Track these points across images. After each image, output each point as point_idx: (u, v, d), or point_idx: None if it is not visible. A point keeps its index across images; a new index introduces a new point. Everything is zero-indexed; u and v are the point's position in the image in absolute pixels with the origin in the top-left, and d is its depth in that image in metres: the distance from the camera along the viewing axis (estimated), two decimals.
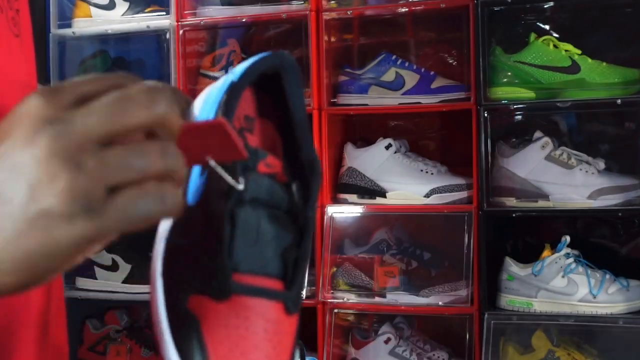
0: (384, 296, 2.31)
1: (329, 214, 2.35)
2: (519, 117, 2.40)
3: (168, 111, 0.52)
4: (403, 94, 2.33)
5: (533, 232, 2.37)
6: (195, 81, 2.50)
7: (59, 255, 0.49)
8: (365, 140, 2.42)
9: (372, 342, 2.33)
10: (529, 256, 2.19)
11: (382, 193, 2.32)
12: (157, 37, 2.59)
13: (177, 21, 2.45)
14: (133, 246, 2.54)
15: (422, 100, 2.31)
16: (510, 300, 2.18)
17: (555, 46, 2.20)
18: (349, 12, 2.36)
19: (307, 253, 0.63)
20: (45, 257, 0.49)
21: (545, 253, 2.16)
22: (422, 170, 2.31)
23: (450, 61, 2.48)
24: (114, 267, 2.58)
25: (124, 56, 2.74)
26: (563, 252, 2.14)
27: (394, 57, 2.37)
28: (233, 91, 0.65)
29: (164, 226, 0.64)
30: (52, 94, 0.51)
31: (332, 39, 2.40)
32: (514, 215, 2.23)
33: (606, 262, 2.18)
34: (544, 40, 2.21)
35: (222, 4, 2.45)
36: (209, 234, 0.60)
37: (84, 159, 0.48)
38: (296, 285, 0.62)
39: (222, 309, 0.59)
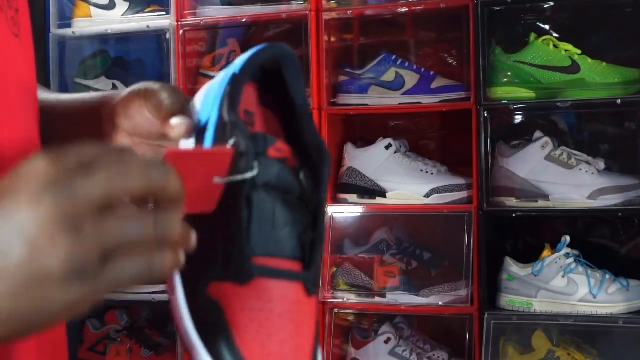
0: (384, 296, 2.31)
1: (329, 214, 2.35)
2: (519, 117, 2.40)
3: (163, 179, 0.53)
4: (403, 94, 2.33)
5: (533, 232, 2.37)
6: (195, 81, 2.50)
7: (51, 314, 0.51)
8: (365, 140, 2.42)
9: (372, 342, 2.33)
10: (529, 256, 2.19)
11: (382, 193, 2.31)
12: (157, 37, 2.59)
13: (177, 21, 2.45)
14: None
15: (422, 100, 2.31)
16: (510, 300, 2.18)
17: (555, 46, 2.20)
18: (349, 12, 2.36)
19: (322, 235, 0.64)
20: (38, 315, 0.51)
21: (545, 253, 2.16)
22: (422, 170, 2.31)
23: (450, 61, 2.48)
24: None
25: (124, 56, 2.74)
26: (563, 252, 2.14)
27: (394, 57, 2.36)
28: (235, 83, 0.66)
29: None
30: (57, 157, 0.52)
31: (332, 39, 2.40)
32: (514, 215, 2.22)
33: (606, 262, 2.18)
34: (544, 40, 2.21)
35: (222, 4, 2.45)
36: (224, 220, 0.61)
37: (83, 225, 0.50)
38: (314, 266, 0.63)
39: (244, 293, 0.60)
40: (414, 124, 2.54)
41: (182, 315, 0.61)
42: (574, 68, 2.16)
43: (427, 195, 2.27)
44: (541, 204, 2.16)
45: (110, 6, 2.57)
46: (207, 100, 0.69)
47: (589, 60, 2.17)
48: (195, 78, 2.51)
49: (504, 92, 2.20)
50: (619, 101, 2.10)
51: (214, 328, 0.59)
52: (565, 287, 2.13)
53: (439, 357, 2.31)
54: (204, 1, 2.48)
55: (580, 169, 2.16)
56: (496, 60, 2.21)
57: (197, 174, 0.58)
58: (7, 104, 0.67)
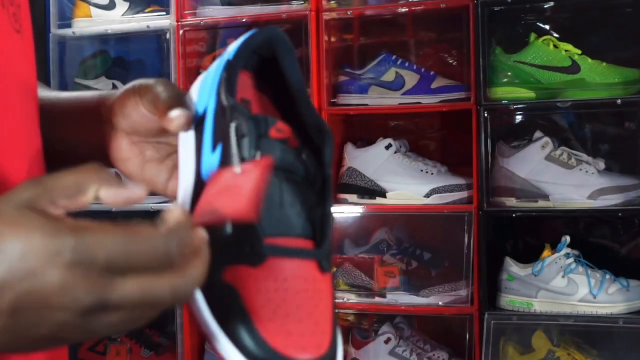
0: (384, 296, 2.31)
1: None
2: (519, 117, 2.40)
3: (179, 254, 0.55)
4: (403, 94, 2.33)
5: (533, 232, 2.37)
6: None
7: (63, 343, 0.56)
8: (365, 140, 2.42)
9: (372, 342, 2.33)
10: (529, 256, 2.19)
11: (382, 193, 2.31)
12: (157, 37, 2.59)
13: (177, 21, 2.45)
14: None
15: (422, 100, 2.31)
16: (510, 300, 2.18)
17: (555, 46, 2.20)
18: (349, 12, 2.36)
19: (330, 210, 0.64)
20: (50, 345, 0.55)
21: (545, 253, 2.16)
22: (422, 170, 2.31)
23: (450, 61, 2.48)
24: None
25: (124, 56, 2.74)
26: (563, 252, 2.14)
27: (394, 57, 2.37)
28: (230, 69, 0.66)
29: (184, 205, 0.65)
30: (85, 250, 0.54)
31: (332, 39, 2.40)
32: (514, 215, 2.22)
33: (606, 262, 2.18)
34: (544, 40, 2.21)
35: (222, 4, 2.45)
36: None
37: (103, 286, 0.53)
38: (326, 242, 0.62)
39: (259, 274, 0.59)
40: (414, 124, 2.54)
41: (199, 304, 0.61)
42: (574, 68, 2.16)
43: (427, 195, 2.27)
44: (541, 204, 2.16)
45: (110, 6, 2.57)
46: (203, 90, 0.69)
47: (589, 60, 2.17)
48: (195, 78, 2.50)
49: (504, 92, 2.20)
50: (619, 101, 2.10)
51: (231, 313, 0.59)
52: (565, 287, 2.13)
53: (439, 357, 2.31)
54: (204, 1, 2.48)
55: (580, 169, 2.16)
56: (496, 60, 2.21)
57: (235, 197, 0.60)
58: (7, 99, 0.67)
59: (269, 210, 0.61)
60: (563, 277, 2.13)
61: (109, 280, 0.53)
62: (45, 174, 0.73)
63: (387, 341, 2.31)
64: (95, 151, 0.77)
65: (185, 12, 2.45)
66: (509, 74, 2.20)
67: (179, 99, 0.70)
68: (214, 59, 2.52)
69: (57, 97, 0.83)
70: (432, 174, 2.30)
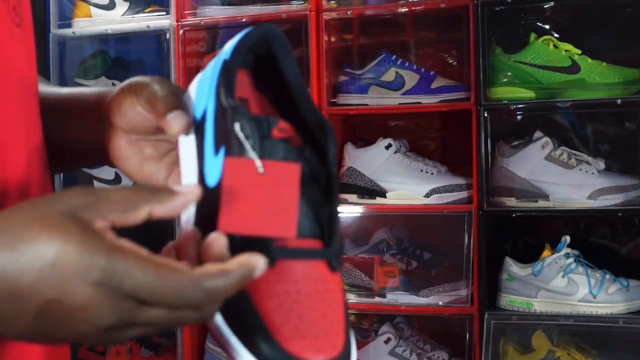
0: (384, 296, 2.31)
1: None
2: (519, 117, 2.40)
3: (207, 304, 0.56)
4: (403, 94, 2.33)
5: (533, 232, 2.37)
6: None
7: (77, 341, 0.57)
8: (365, 140, 2.42)
9: (372, 342, 2.33)
10: (529, 256, 2.19)
11: (382, 193, 2.31)
12: (157, 37, 2.59)
13: (177, 21, 2.45)
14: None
15: (422, 100, 2.31)
16: (510, 300, 2.18)
17: (555, 46, 2.20)
18: (349, 12, 2.36)
19: (337, 209, 0.63)
20: (70, 342, 0.57)
21: (545, 253, 2.16)
22: (422, 170, 2.31)
23: (450, 61, 2.48)
24: None
25: (124, 56, 2.74)
26: (563, 252, 2.14)
27: (394, 57, 2.36)
28: (228, 70, 0.65)
29: (187, 213, 0.64)
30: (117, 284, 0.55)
31: (332, 39, 2.40)
32: (514, 215, 2.22)
33: (606, 262, 2.18)
34: (544, 40, 2.21)
35: (222, 4, 2.45)
36: None
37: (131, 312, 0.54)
38: (334, 241, 0.62)
39: (269, 277, 0.59)
40: (414, 124, 2.54)
41: None
42: (574, 68, 2.16)
43: (427, 195, 2.27)
44: (541, 204, 2.16)
45: (110, 6, 2.57)
46: (201, 91, 0.68)
47: (589, 60, 2.16)
48: None
49: (504, 92, 2.20)
50: (619, 101, 2.10)
51: (244, 318, 0.59)
52: (565, 287, 2.13)
53: (439, 357, 2.31)
54: (204, 1, 2.48)
55: (580, 169, 2.16)
56: (496, 60, 2.21)
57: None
58: (6, 93, 0.66)
59: None
60: (563, 277, 2.13)
61: (133, 307, 0.53)
62: (44, 170, 0.73)
63: (387, 341, 2.31)
64: (95, 148, 0.77)
65: (185, 12, 2.45)
66: (509, 74, 2.20)
67: (176, 98, 0.70)
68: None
69: (58, 93, 0.83)
70: (432, 174, 2.30)
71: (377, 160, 2.33)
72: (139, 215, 0.56)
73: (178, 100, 0.69)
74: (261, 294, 0.59)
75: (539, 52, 2.19)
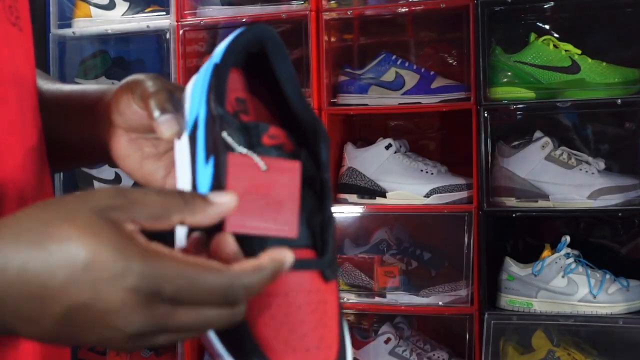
0: (384, 296, 2.31)
1: None
2: (519, 117, 2.40)
3: (243, 299, 0.55)
4: (403, 94, 2.33)
5: (533, 232, 2.37)
6: None
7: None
8: (365, 140, 2.42)
9: (372, 342, 2.33)
10: (529, 256, 2.19)
11: (382, 193, 2.31)
12: (157, 37, 2.59)
13: (177, 21, 2.45)
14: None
15: (422, 100, 2.31)
16: (510, 300, 2.18)
17: (555, 46, 2.20)
18: (349, 12, 2.36)
19: (331, 216, 0.62)
20: (88, 345, 0.55)
21: (545, 253, 2.16)
22: (422, 170, 2.31)
23: (450, 61, 2.48)
24: None
25: (124, 56, 2.74)
26: (563, 252, 2.14)
27: (394, 57, 2.36)
28: (219, 74, 0.63)
29: (182, 228, 0.63)
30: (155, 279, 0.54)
31: (332, 39, 2.40)
32: (514, 215, 2.22)
33: (606, 262, 2.18)
34: (544, 40, 2.21)
35: (222, 4, 2.45)
36: None
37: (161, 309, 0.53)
38: (328, 250, 0.61)
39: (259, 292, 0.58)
40: (414, 124, 2.54)
41: None
42: (574, 68, 2.16)
43: (427, 195, 2.27)
44: (541, 204, 2.16)
45: (110, 6, 2.57)
46: (194, 95, 0.66)
47: (589, 60, 2.16)
48: None
49: (504, 92, 2.20)
50: (619, 101, 2.10)
51: (235, 331, 0.58)
52: (565, 287, 2.13)
53: (439, 357, 2.31)
54: (204, 1, 2.48)
55: (580, 169, 2.16)
56: (496, 60, 2.21)
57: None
58: (1, 93, 0.66)
59: None
60: (563, 277, 2.13)
61: (168, 311, 0.52)
62: (41, 170, 0.72)
63: (387, 341, 2.31)
64: (95, 147, 0.77)
65: (185, 12, 2.45)
66: (509, 74, 2.20)
67: (167, 96, 0.68)
68: None
69: (60, 90, 0.82)
70: (432, 174, 2.30)
71: (377, 160, 2.33)
72: (170, 222, 0.55)
73: (169, 98, 0.68)
74: (252, 307, 0.58)
75: (539, 52, 2.19)
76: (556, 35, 2.28)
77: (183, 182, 0.66)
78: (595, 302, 2.10)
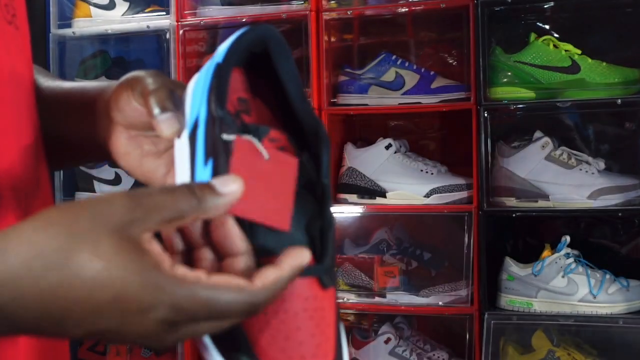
0: (384, 296, 2.31)
1: None
2: (519, 117, 2.40)
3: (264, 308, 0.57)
4: (403, 94, 2.33)
5: (533, 232, 2.37)
6: None
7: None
8: (365, 140, 2.42)
9: (372, 342, 2.33)
10: (529, 256, 2.19)
11: (382, 193, 2.31)
12: (157, 37, 2.59)
13: (177, 21, 2.45)
14: None
15: (422, 100, 2.31)
16: (510, 300, 2.18)
17: (555, 46, 2.20)
18: (349, 12, 2.36)
19: (330, 221, 0.61)
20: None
21: (545, 253, 2.15)
22: (422, 170, 2.31)
23: (450, 61, 2.48)
24: None
25: (124, 56, 2.74)
26: (563, 252, 2.14)
27: (394, 57, 2.36)
28: (220, 74, 0.63)
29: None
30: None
31: (332, 39, 2.40)
32: (514, 215, 2.22)
33: (606, 262, 2.18)
34: (544, 40, 2.21)
35: (222, 4, 2.45)
36: None
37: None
38: (327, 256, 0.60)
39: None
40: (414, 124, 2.54)
41: None
42: (574, 68, 2.16)
43: (427, 195, 2.27)
44: (541, 204, 2.16)
45: (110, 6, 2.57)
46: (196, 94, 0.65)
47: (589, 60, 2.16)
48: None
49: (504, 92, 2.20)
50: (619, 101, 2.10)
51: (231, 337, 0.58)
52: (565, 287, 2.13)
53: (439, 357, 2.31)
54: (204, 1, 2.48)
55: (580, 169, 2.16)
56: (496, 60, 2.21)
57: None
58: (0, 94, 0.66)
59: (265, 228, 0.59)
60: (563, 277, 2.13)
61: (193, 328, 0.54)
62: (38, 169, 0.72)
63: (387, 341, 2.31)
64: (94, 144, 0.76)
65: (185, 12, 2.45)
66: (509, 74, 2.20)
67: (167, 94, 0.68)
68: None
69: (60, 87, 0.81)
70: (432, 174, 2.30)
71: (377, 160, 2.33)
72: (183, 222, 0.55)
73: (169, 96, 0.67)
74: None
75: (539, 52, 2.19)
76: (556, 35, 2.28)
77: (181, 181, 0.65)
78: (595, 302, 2.10)
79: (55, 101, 0.79)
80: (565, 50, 2.19)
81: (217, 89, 0.62)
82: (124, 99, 0.71)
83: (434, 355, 2.32)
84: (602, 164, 2.16)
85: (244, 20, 2.41)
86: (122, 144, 0.73)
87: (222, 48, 0.64)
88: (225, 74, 0.63)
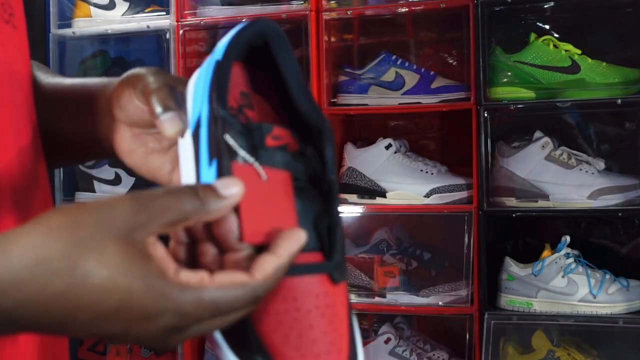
0: (384, 296, 2.31)
1: None
2: (519, 117, 2.40)
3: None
4: (403, 94, 2.33)
5: (533, 232, 2.37)
6: None
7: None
8: (365, 140, 2.42)
9: (372, 342, 2.33)
10: (529, 256, 2.19)
11: (382, 193, 2.31)
12: (157, 37, 2.59)
13: (177, 21, 2.45)
14: None
15: (422, 100, 2.31)
16: (510, 300, 2.18)
17: (555, 46, 2.20)
18: (349, 12, 2.36)
19: (338, 217, 0.61)
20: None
21: (545, 253, 2.15)
22: (422, 170, 2.31)
23: (450, 61, 2.48)
24: None
25: (124, 56, 2.74)
26: (563, 252, 2.14)
27: (394, 57, 2.36)
28: (220, 71, 0.62)
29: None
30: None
31: (332, 39, 2.40)
32: (514, 215, 2.22)
33: (606, 262, 2.18)
34: (544, 40, 2.21)
35: (222, 4, 2.45)
36: None
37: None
38: (336, 252, 0.60)
39: (268, 296, 0.57)
40: (414, 124, 2.54)
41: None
42: (574, 68, 2.16)
43: (427, 195, 2.27)
44: (541, 204, 2.16)
45: (110, 6, 2.57)
46: (197, 91, 0.65)
47: (589, 60, 2.16)
48: None
49: (504, 92, 2.20)
50: (619, 101, 2.10)
51: (244, 337, 0.57)
52: (565, 287, 2.13)
53: (439, 357, 2.31)
54: (204, 1, 2.48)
55: (580, 169, 2.16)
56: (496, 60, 2.21)
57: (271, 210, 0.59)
58: None
59: None
60: (563, 277, 2.13)
61: (198, 327, 0.54)
62: (36, 168, 0.72)
63: (387, 341, 2.31)
64: (94, 142, 0.76)
65: (185, 12, 2.45)
66: (509, 74, 2.20)
67: (169, 92, 0.67)
68: None
69: (61, 84, 0.81)
70: (432, 174, 2.30)
71: (377, 160, 2.33)
72: (187, 224, 0.55)
73: (171, 95, 0.67)
74: (260, 313, 0.58)
75: (539, 52, 2.19)
76: (556, 35, 2.28)
77: (187, 180, 0.65)
78: (595, 302, 2.10)
79: (55, 97, 0.78)
80: (565, 50, 2.19)
81: (218, 87, 0.61)
82: (125, 97, 0.70)
83: (434, 355, 2.32)
84: (602, 164, 2.16)
85: (244, 20, 2.40)
86: (126, 141, 0.73)
87: (222, 44, 0.64)
88: (225, 71, 0.62)
